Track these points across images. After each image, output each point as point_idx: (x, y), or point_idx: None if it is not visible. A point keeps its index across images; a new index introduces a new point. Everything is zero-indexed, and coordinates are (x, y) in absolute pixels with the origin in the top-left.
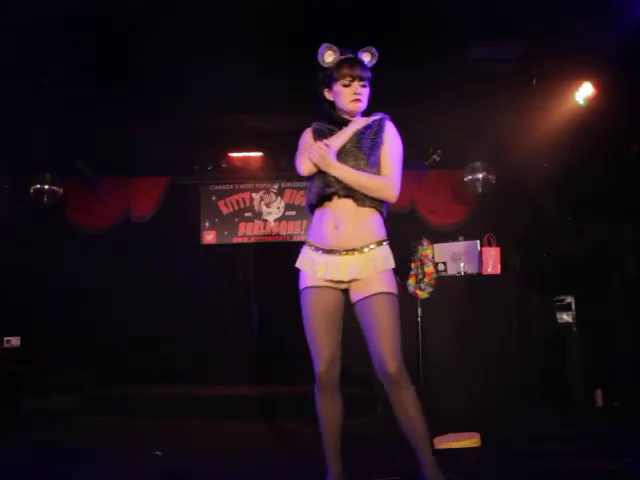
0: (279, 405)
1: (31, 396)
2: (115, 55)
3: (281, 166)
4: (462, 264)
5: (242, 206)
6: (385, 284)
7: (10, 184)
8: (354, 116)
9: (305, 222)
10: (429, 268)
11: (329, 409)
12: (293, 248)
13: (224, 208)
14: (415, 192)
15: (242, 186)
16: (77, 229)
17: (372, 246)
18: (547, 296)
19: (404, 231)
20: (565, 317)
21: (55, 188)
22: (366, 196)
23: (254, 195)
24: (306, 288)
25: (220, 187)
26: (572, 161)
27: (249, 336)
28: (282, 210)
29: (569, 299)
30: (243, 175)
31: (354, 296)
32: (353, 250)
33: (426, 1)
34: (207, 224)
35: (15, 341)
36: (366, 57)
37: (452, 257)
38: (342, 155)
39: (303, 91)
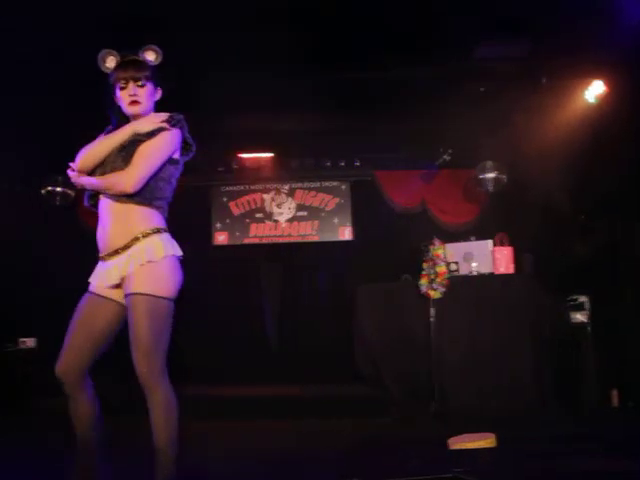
0: (293, 405)
1: (45, 397)
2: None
3: (292, 167)
4: (474, 264)
5: (253, 207)
6: (143, 282)
7: (23, 186)
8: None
9: (317, 222)
10: (441, 268)
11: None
12: (305, 248)
13: (235, 209)
14: (426, 192)
15: (253, 187)
16: (89, 231)
17: (138, 238)
18: (560, 295)
19: (415, 231)
20: (579, 317)
21: (67, 190)
22: None
23: (265, 196)
24: (86, 292)
25: (231, 188)
26: (584, 159)
27: (262, 335)
28: (293, 210)
29: (582, 298)
30: (254, 176)
31: (124, 292)
32: (117, 251)
33: (435, 1)
34: (218, 225)
35: (30, 342)
36: (150, 56)
37: (464, 257)
38: (112, 154)
39: (314, 92)
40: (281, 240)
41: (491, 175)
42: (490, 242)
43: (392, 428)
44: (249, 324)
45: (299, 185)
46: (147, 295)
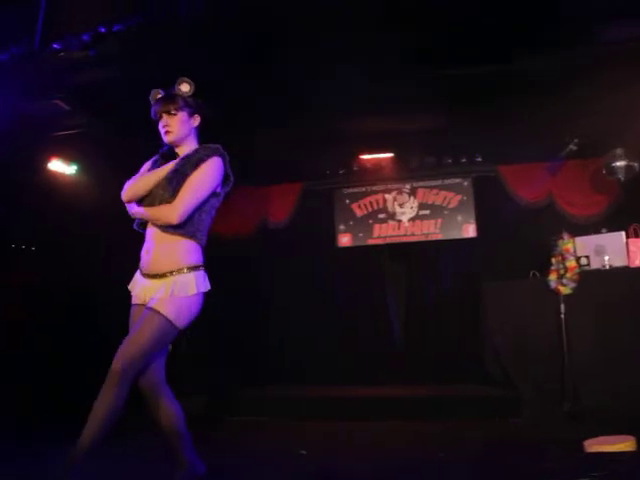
0: (420, 405)
1: (186, 398)
2: (244, 64)
3: (412, 166)
4: (606, 257)
5: (375, 207)
6: (167, 306)
7: None
8: (177, 147)
9: (440, 220)
10: (571, 263)
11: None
12: (429, 247)
13: (358, 210)
14: (552, 184)
15: (374, 188)
16: (217, 237)
17: (174, 273)
18: None
19: (543, 225)
20: None
21: None
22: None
23: (387, 196)
24: (131, 305)
25: (353, 190)
26: None
27: (387, 336)
28: (416, 209)
29: None
30: (375, 177)
31: (148, 303)
32: (157, 275)
33: None
34: (342, 227)
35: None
36: (184, 87)
37: (595, 250)
38: (160, 186)
39: (431, 89)
40: (404, 240)
41: (622, 163)
42: (623, 234)
43: (523, 429)
44: (374, 325)
45: (420, 184)
46: (164, 317)
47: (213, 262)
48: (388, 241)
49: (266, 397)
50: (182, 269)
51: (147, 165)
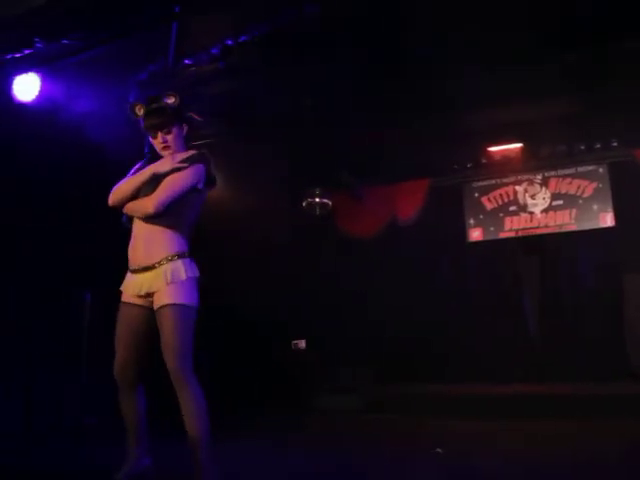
0: (561, 404)
1: (315, 396)
2: (371, 64)
3: (543, 155)
4: None
5: (506, 200)
6: (170, 296)
7: (285, 200)
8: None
9: (575, 210)
10: None
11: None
12: (564, 239)
13: (488, 204)
14: None
15: (504, 180)
16: (348, 237)
17: (163, 262)
18: None
19: None
20: None
21: (325, 201)
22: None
23: (517, 188)
24: (120, 303)
25: (482, 183)
26: None
27: (523, 332)
28: (548, 200)
29: None
30: (504, 168)
31: (154, 306)
32: (147, 267)
33: None
34: (472, 221)
35: (302, 344)
36: (170, 100)
37: None
38: (144, 188)
39: (558, 74)
40: (537, 232)
41: None
42: None
43: None
44: (509, 321)
45: (552, 173)
46: (175, 305)
47: (346, 263)
48: (520, 234)
49: (402, 395)
50: (169, 257)
51: (134, 170)
